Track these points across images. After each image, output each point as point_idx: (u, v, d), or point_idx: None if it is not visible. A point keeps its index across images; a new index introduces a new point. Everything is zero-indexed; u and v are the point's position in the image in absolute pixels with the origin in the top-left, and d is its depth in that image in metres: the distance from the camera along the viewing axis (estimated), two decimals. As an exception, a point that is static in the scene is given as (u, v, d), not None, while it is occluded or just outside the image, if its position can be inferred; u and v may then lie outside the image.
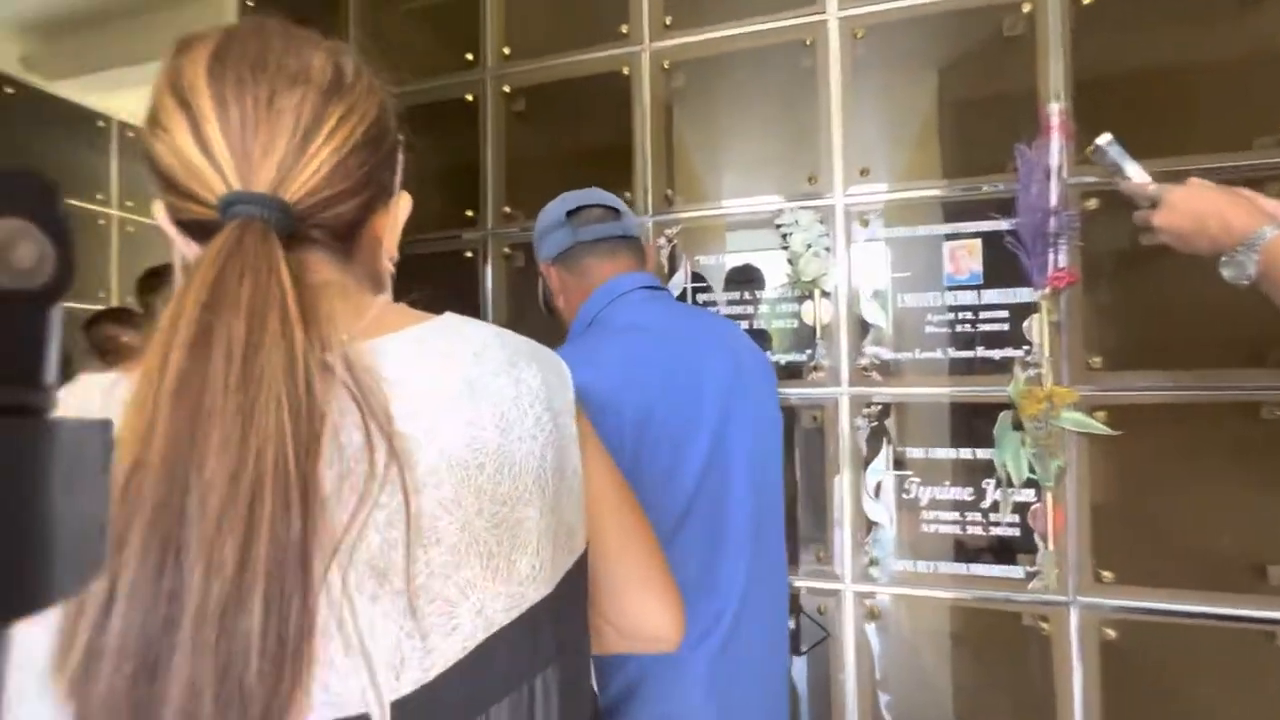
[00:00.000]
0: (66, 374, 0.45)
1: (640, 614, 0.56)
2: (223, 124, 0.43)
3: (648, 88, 1.51)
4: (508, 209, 1.61)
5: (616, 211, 1.02)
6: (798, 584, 1.36)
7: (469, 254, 1.64)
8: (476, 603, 0.42)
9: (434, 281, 1.72)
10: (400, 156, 0.54)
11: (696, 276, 1.47)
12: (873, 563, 1.31)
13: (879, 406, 1.33)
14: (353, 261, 0.51)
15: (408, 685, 0.39)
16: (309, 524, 0.36)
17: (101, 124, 2.72)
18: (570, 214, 1.00)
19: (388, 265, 0.56)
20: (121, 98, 2.68)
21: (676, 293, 1.46)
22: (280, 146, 0.43)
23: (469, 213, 1.64)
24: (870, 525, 1.32)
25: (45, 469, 0.19)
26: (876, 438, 1.32)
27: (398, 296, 0.55)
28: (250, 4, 1.94)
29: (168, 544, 0.34)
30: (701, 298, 1.46)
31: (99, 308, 2.37)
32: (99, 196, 2.72)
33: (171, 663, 0.33)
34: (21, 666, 0.35)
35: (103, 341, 2.29)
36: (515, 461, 0.44)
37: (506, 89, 1.62)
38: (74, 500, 0.19)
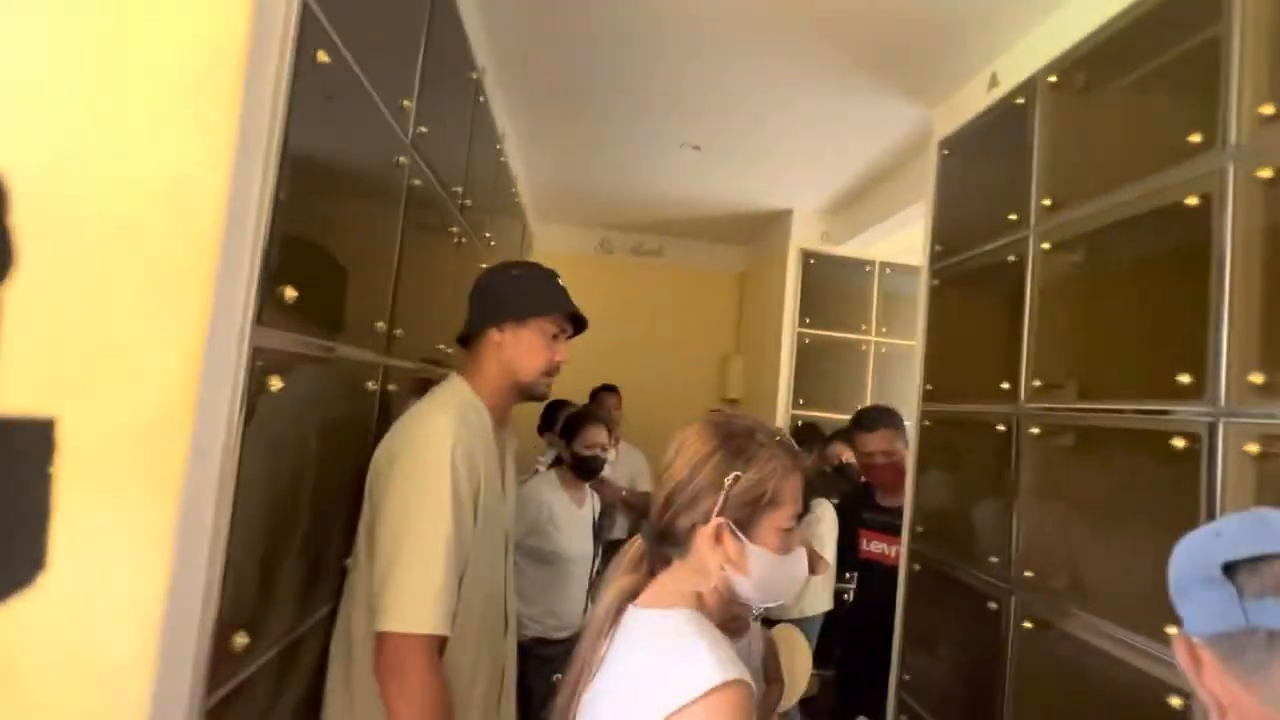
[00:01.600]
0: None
1: None
2: None
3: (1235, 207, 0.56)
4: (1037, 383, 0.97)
5: None
6: None
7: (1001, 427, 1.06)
8: None
9: (975, 454, 1.34)
10: (718, 497, 0.83)
11: None
12: None
13: None
14: (684, 557, 0.86)
15: None
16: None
17: (867, 268, 3.36)
18: (1233, 567, 0.53)
19: (713, 562, 0.83)
20: (877, 246, 3.24)
21: None
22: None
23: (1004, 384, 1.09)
24: None
25: None
26: None
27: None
28: (945, 156, 1.96)
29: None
30: None
31: (837, 416, 2.91)
32: (862, 326, 3.35)
33: None
34: None
35: (832, 458, 2.79)
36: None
37: (1047, 245, 1.03)
38: (15, 499, 0.17)
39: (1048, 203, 1.46)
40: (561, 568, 2.15)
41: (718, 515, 0.82)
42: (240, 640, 0.74)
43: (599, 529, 2.45)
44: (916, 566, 1.86)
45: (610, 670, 0.80)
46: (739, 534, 0.83)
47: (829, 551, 2.42)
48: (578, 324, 1.27)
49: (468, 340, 1.22)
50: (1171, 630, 1.04)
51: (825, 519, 2.47)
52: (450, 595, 0.98)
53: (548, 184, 3.36)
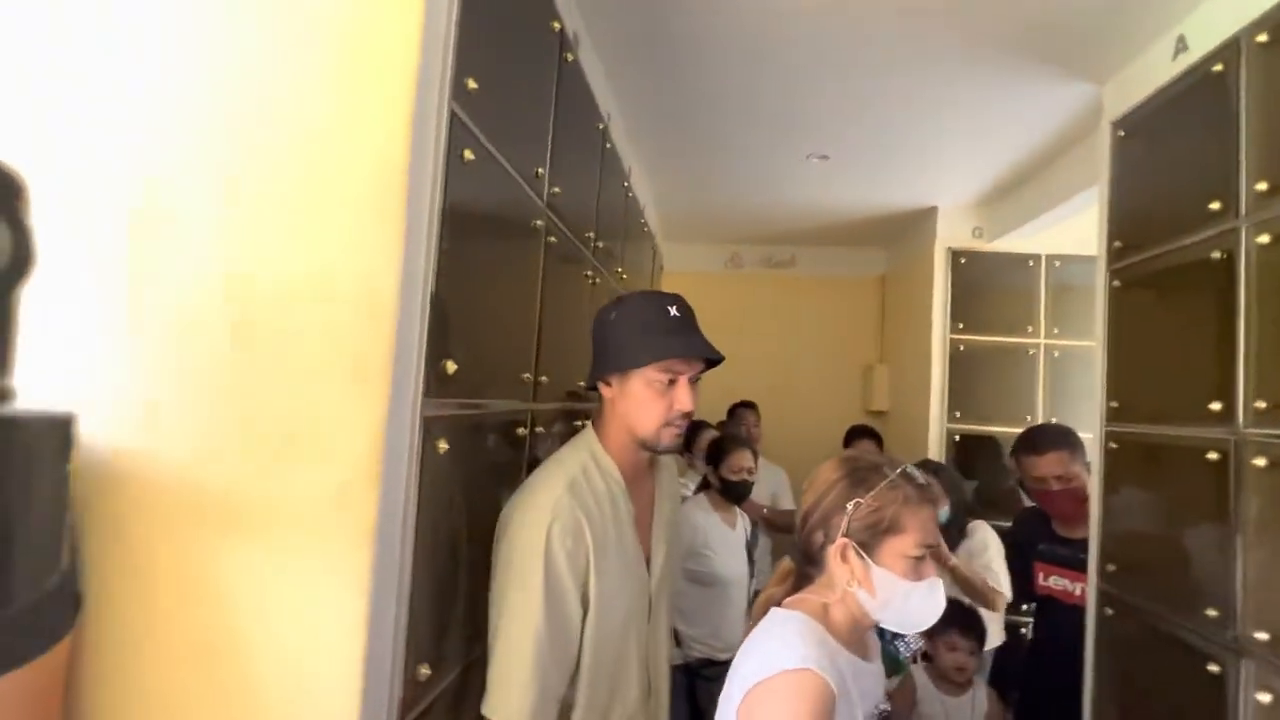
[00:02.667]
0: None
1: None
2: None
3: None
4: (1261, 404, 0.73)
5: None
6: None
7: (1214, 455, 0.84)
8: None
9: (1178, 485, 1.17)
10: (844, 519, 0.93)
11: None
12: None
13: None
14: (820, 575, 0.97)
15: None
16: None
17: (1031, 263, 3.01)
18: None
19: (840, 578, 0.94)
20: (1044, 237, 2.88)
21: None
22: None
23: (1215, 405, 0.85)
24: None
25: (2, 464, 0.16)
26: None
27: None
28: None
29: None
30: None
31: (1001, 430, 2.60)
32: (1029, 329, 3.00)
33: None
34: None
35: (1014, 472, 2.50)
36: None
37: (1265, 238, 0.80)
38: (32, 497, 0.18)
39: (1263, 187, 1.21)
40: (721, 590, 2.17)
41: (843, 536, 0.93)
42: (424, 671, 0.85)
43: (750, 548, 2.44)
44: (1109, 610, 1.63)
45: (741, 653, 0.96)
46: (863, 555, 0.92)
47: (1004, 581, 2.18)
48: (708, 358, 1.09)
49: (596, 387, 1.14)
50: None
51: (991, 545, 2.23)
52: (537, 689, 0.94)
53: (674, 206, 3.43)
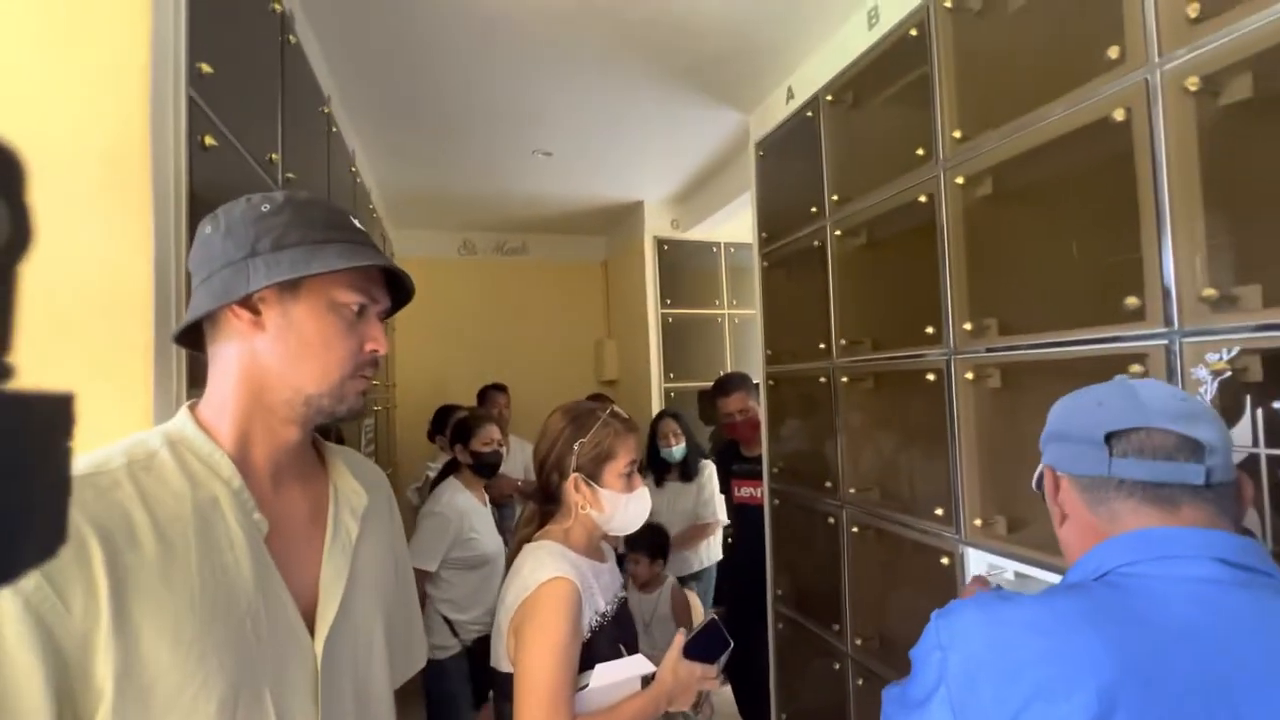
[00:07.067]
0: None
1: None
2: None
3: (946, 205, 0.97)
4: (844, 341, 1.36)
5: (1195, 446, 0.65)
6: None
7: (823, 379, 1.45)
8: None
9: (807, 403, 1.67)
10: (570, 459, 1.15)
11: None
12: None
13: None
14: (559, 508, 1.19)
15: None
16: None
17: (715, 249, 3.75)
18: (1113, 436, 0.68)
19: (576, 505, 1.16)
20: (722, 229, 3.63)
21: None
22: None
23: (821, 345, 1.46)
24: None
25: (6, 440, 0.18)
26: None
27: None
28: (761, 154, 2.31)
29: None
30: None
31: (706, 385, 3.29)
32: (716, 302, 3.75)
33: None
34: None
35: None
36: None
37: (839, 232, 1.40)
38: (36, 472, 0.19)
39: (835, 198, 1.83)
40: (490, 568, 2.25)
41: (574, 471, 1.15)
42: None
43: (500, 521, 2.59)
44: (776, 501, 2.25)
45: (504, 585, 1.12)
46: (591, 483, 1.15)
47: (720, 506, 2.77)
48: (395, 291, 0.75)
49: (196, 340, 0.69)
50: (939, 511, 1.45)
51: (713, 478, 2.82)
52: None
53: (402, 191, 3.35)
